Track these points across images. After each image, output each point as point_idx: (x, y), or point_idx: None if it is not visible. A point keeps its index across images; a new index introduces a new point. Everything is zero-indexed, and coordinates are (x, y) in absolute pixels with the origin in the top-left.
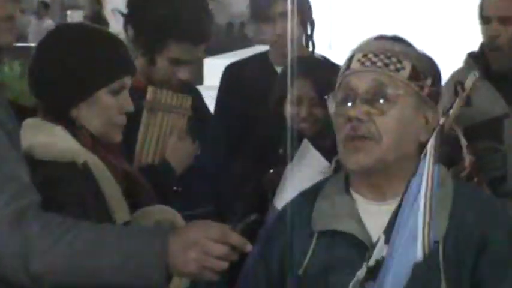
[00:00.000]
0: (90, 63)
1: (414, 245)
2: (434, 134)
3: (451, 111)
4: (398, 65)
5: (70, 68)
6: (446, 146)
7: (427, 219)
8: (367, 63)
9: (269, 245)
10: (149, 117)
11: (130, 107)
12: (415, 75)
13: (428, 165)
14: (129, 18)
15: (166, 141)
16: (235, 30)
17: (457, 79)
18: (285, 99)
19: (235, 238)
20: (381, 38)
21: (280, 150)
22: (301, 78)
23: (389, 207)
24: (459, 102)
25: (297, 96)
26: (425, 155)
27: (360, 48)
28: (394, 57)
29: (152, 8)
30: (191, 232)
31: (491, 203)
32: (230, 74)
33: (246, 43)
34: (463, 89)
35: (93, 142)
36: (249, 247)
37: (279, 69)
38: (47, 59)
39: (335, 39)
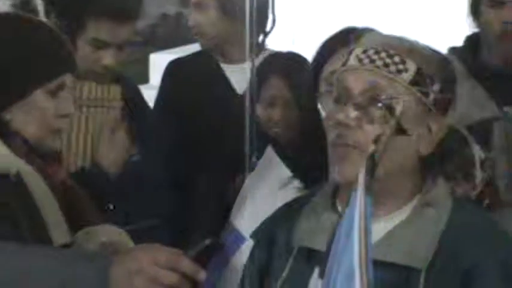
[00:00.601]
0: (24, 59)
1: (350, 285)
2: (365, 162)
3: (382, 138)
4: (401, 66)
5: (1, 65)
6: (459, 158)
7: (363, 259)
8: (366, 61)
9: (254, 252)
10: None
11: (70, 108)
12: (419, 79)
13: (359, 198)
14: (49, 2)
15: (97, 139)
16: (185, 21)
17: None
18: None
19: (187, 265)
20: (386, 34)
21: (254, 158)
22: (276, 77)
23: (377, 226)
24: (390, 128)
25: (269, 97)
26: (355, 189)
27: (361, 42)
28: (397, 56)
29: None
30: (136, 257)
31: (490, 231)
32: (172, 71)
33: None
34: (392, 114)
35: (28, 149)
36: (202, 275)
37: (224, 67)
38: None
39: (299, 34)
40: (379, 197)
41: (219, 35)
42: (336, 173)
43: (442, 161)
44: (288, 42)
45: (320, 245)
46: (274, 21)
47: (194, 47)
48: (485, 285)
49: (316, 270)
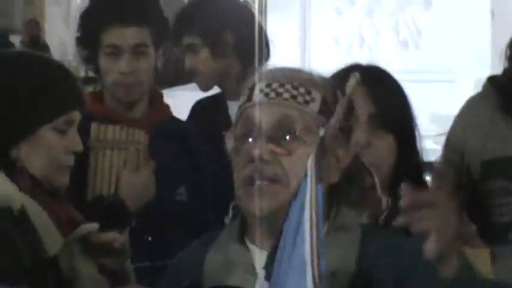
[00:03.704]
0: (32, 95)
1: (302, 279)
2: (316, 147)
3: (331, 121)
4: (307, 97)
5: (9, 100)
6: (356, 186)
7: (315, 247)
8: (272, 94)
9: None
10: (95, 156)
11: (78, 146)
12: (326, 108)
13: (310, 186)
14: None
15: (118, 179)
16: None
17: (471, 107)
18: None
19: None
20: (284, 67)
21: None
22: None
23: None
24: (340, 108)
25: None
26: (305, 175)
27: (262, 77)
28: (302, 87)
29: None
30: None
31: (406, 248)
32: (198, 111)
33: None
34: (343, 93)
35: (34, 186)
36: None
37: (230, 104)
38: None
39: (309, 65)
40: None
41: (213, 75)
42: (253, 208)
43: (347, 188)
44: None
45: (232, 281)
46: (268, 53)
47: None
48: None
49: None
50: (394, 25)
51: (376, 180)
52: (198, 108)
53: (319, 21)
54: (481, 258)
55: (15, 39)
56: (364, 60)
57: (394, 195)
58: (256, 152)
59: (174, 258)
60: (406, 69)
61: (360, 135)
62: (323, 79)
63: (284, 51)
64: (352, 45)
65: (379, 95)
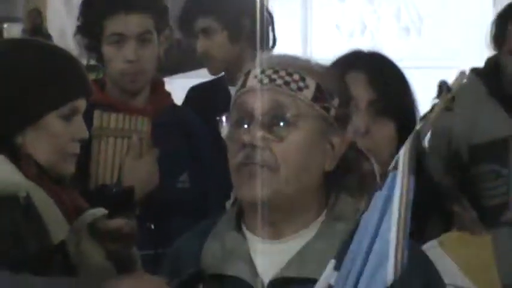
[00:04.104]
0: (38, 82)
1: (382, 269)
2: (409, 140)
3: (430, 115)
4: (301, 83)
5: (14, 89)
6: (354, 173)
7: (401, 239)
8: (265, 81)
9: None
10: (98, 144)
11: (84, 133)
12: (320, 95)
13: (402, 176)
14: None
15: (121, 167)
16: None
17: (457, 95)
18: None
19: None
20: (280, 53)
21: None
22: None
23: (284, 246)
24: (441, 104)
25: None
26: (395, 167)
27: (257, 63)
28: (296, 73)
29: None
30: (122, 287)
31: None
32: (195, 97)
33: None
34: (448, 90)
35: (39, 173)
36: None
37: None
38: None
39: (311, 51)
40: (287, 216)
41: (227, 59)
42: (244, 193)
43: (344, 176)
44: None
45: (228, 269)
46: (275, 39)
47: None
48: None
49: None
50: (395, 11)
51: (375, 166)
52: (195, 93)
53: (321, 7)
54: (482, 245)
55: (17, 28)
56: (365, 46)
57: None
58: (247, 138)
59: (172, 246)
60: (408, 56)
61: (359, 121)
62: (320, 66)
63: (286, 38)
64: (354, 31)
65: (379, 81)
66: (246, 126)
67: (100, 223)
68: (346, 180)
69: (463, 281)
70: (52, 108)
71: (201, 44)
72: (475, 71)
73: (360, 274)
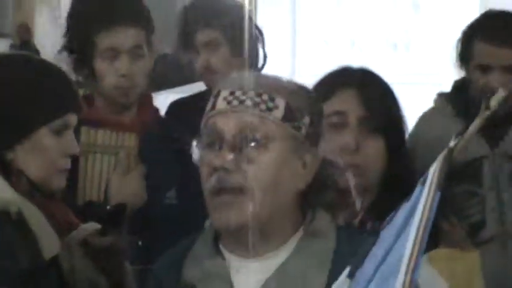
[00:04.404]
0: (28, 97)
1: (393, 279)
2: (441, 156)
3: (466, 132)
4: (270, 104)
5: (4, 103)
6: (329, 190)
7: (415, 253)
8: (235, 102)
9: None
10: (86, 161)
11: (75, 148)
12: (290, 115)
13: (428, 192)
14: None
15: (107, 182)
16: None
17: (427, 120)
18: None
19: None
20: (250, 72)
21: None
22: None
23: (263, 265)
24: (480, 121)
25: None
26: (424, 180)
27: (226, 84)
28: (266, 94)
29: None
30: None
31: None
32: (176, 112)
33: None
34: (488, 107)
35: (31, 188)
36: None
37: None
38: None
39: (299, 67)
40: (262, 236)
41: (229, 71)
42: (218, 221)
43: (320, 192)
44: (287, 74)
45: None
46: (265, 57)
47: (192, 87)
48: None
49: None
50: (383, 27)
51: (351, 181)
52: (179, 107)
53: (308, 22)
54: (470, 261)
55: (5, 43)
56: (354, 62)
57: (383, 198)
58: (218, 162)
59: (153, 265)
60: (395, 71)
61: (349, 138)
62: (290, 84)
63: (274, 54)
64: (342, 46)
65: (369, 97)
66: (217, 148)
67: (92, 239)
68: (322, 197)
69: None
70: (43, 123)
71: (203, 57)
72: (442, 95)
73: (369, 283)
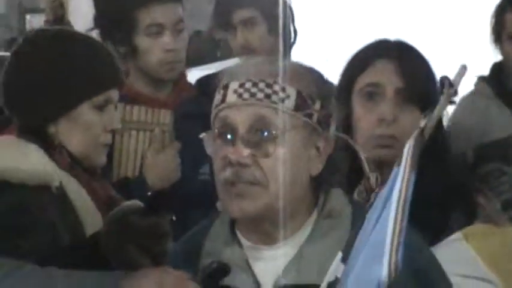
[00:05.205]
0: (71, 73)
1: (377, 263)
2: (412, 137)
3: (434, 112)
4: (282, 94)
5: (48, 78)
6: (342, 172)
7: (397, 234)
8: (246, 95)
9: None
10: (121, 137)
11: (116, 123)
12: (302, 103)
13: (403, 173)
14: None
15: (142, 159)
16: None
17: (467, 104)
18: None
19: None
20: (256, 60)
21: None
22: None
23: (281, 251)
24: (444, 100)
25: None
26: (399, 163)
27: (234, 76)
28: (276, 84)
29: None
30: (145, 280)
31: None
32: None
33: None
34: (451, 85)
35: (72, 163)
36: None
37: None
38: (22, 69)
39: (332, 51)
40: (277, 223)
41: (266, 50)
42: (234, 210)
43: (333, 174)
44: (321, 60)
45: (226, 279)
46: (295, 32)
47: (226, 64)
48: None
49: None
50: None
51: (363, 158)
52: (207, 83)
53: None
54: (506, 236)
55: (40, 19)
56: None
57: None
58: (234, 157)
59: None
60: None
61: (385, 109)
62: (299, 70)
63: None
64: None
65: (406, 69)
66: (230, 139)
67: (135, 219)
68: (335, 178)
69: (486, 273)
70: (86, 98)
71: (241, 36)
72: (481, 78)
73: (358, 269)
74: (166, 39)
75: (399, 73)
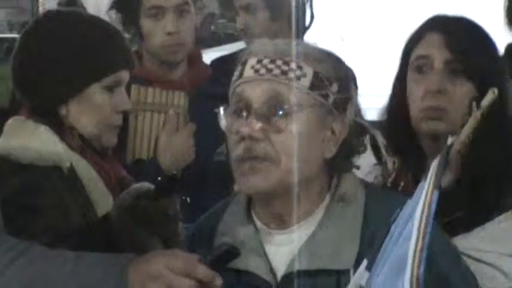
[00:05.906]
0: (82, 54)
1: (398, 276)
2: (439, 156)
3: (462, 132)
4: (298, 72)
5: (58, 59)
6: (357, 156)
7: (418, 250)
8: (262, 71)
9: None
10: (135, 119)
11: (127, 105)
12: (318, 83)
13: (427, 190)
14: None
15: (156, 141)
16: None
17: None
18: None
19: (203, 271)
20: (278, 40)
21: None
22: None
23: (293, 236)
24: (472, 122)
25: None
26: (425, 178)
27: (253, 52)
28: (293, 62)
29: None
30: (153, 263)
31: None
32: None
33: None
34: (478, 107)
35: (83, 144)
36: (219, 281)
37: None
38: (33, 50)
39: (347, 31)
40: (290, 206)
41: (267, 35)
42: (246, 186)
43: (347, 158)
44: (335, 39)
45: (241, 263)
46: (312, 16)
47: (237, 46)
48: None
49: None
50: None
51: (380, 141)
52: (221, 64)
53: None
54: None
55: (53, 1)
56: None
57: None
58: (246, 131)
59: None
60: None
61: (433, 80)
62: (317, 51)
63: None
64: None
65: (455, 41)
66: (244, 116)
67: (143, 203)
68: (349, 162)
69: None
70: (96, 79)
71: (241, 20)
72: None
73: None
74: (166, 22)
75: (448, 45)
